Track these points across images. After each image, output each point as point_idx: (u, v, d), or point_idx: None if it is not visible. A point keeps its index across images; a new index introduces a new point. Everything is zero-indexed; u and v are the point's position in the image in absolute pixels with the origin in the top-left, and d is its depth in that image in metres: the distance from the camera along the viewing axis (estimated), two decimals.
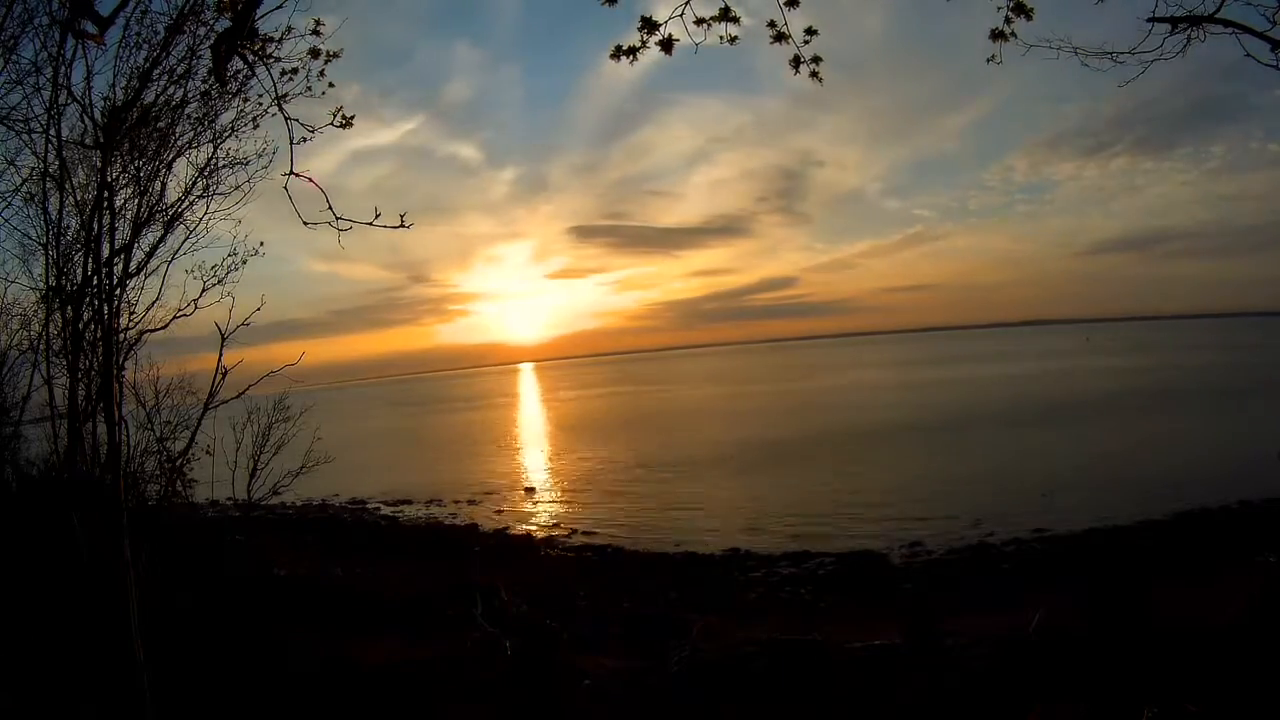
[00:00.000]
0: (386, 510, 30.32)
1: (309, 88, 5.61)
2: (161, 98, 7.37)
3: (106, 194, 7.04)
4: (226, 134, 7.87)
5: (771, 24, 4.24)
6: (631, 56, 4.17)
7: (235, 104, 7.65)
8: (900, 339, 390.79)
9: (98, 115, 7.11)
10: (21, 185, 7.65)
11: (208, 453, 10.29)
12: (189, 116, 7.71)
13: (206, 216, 8.23)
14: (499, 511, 29.28)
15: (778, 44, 4.26)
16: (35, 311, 9.00)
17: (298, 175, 4.53)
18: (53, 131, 7.10)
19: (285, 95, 5.02)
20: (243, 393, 9.46)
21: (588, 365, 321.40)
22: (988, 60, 4.59)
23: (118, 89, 7.21)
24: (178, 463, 9.75)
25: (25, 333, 9.40)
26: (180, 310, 8.34)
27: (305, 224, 4.58)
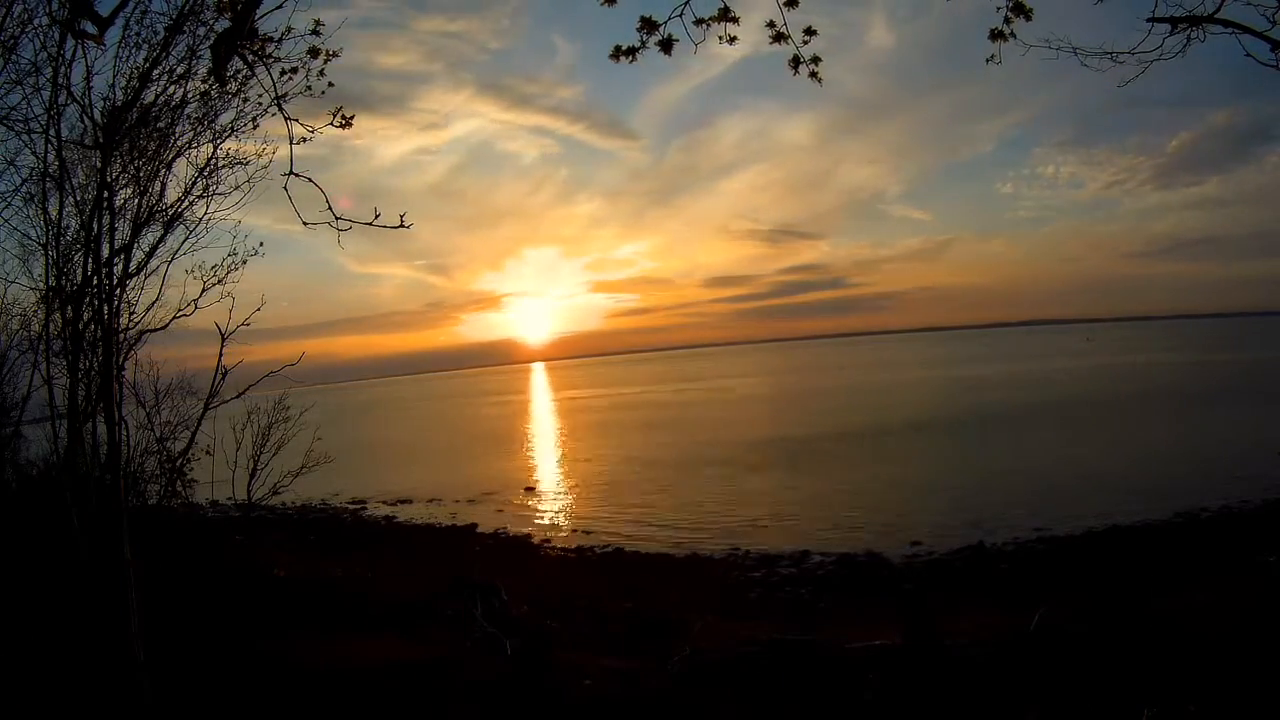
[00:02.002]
0: (386, 510, 30.31)
1: (309, 87, 5.61)
2: (161, 98, 7.37)
3: (106, 194, 7.05)
4: (226, 134, 7.87)
5: (771, 24, 4.24)
6: (631, 57, 4.17)
7: (235, 104, 7.65)
8: (912, 338, 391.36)
9: (98, 115, 7.12)
10: (21, 185, 7.66)
11: (208, 453, 10.31)
12: (189, 116, 7.72)
13: (206, 216, 8.24)
14: (499, 511, 29.27)
15: (777, 44, 4.26)
16: (35, 311, 9.02)
17: (298, 175, 4.53)
18: (53, 131, 7.11)
19: (285, 95, 5.02)
20: (243, 393, 9.48)
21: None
22: (987, 60, 4.60)
23: (117, 89, 7.22)
24: (178, 463, 9.76)
25: (25, 333, 9.41)
26: (180, 310, 8.36)
27: (305, 224, 4.59)
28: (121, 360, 7.83)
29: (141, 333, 8.13)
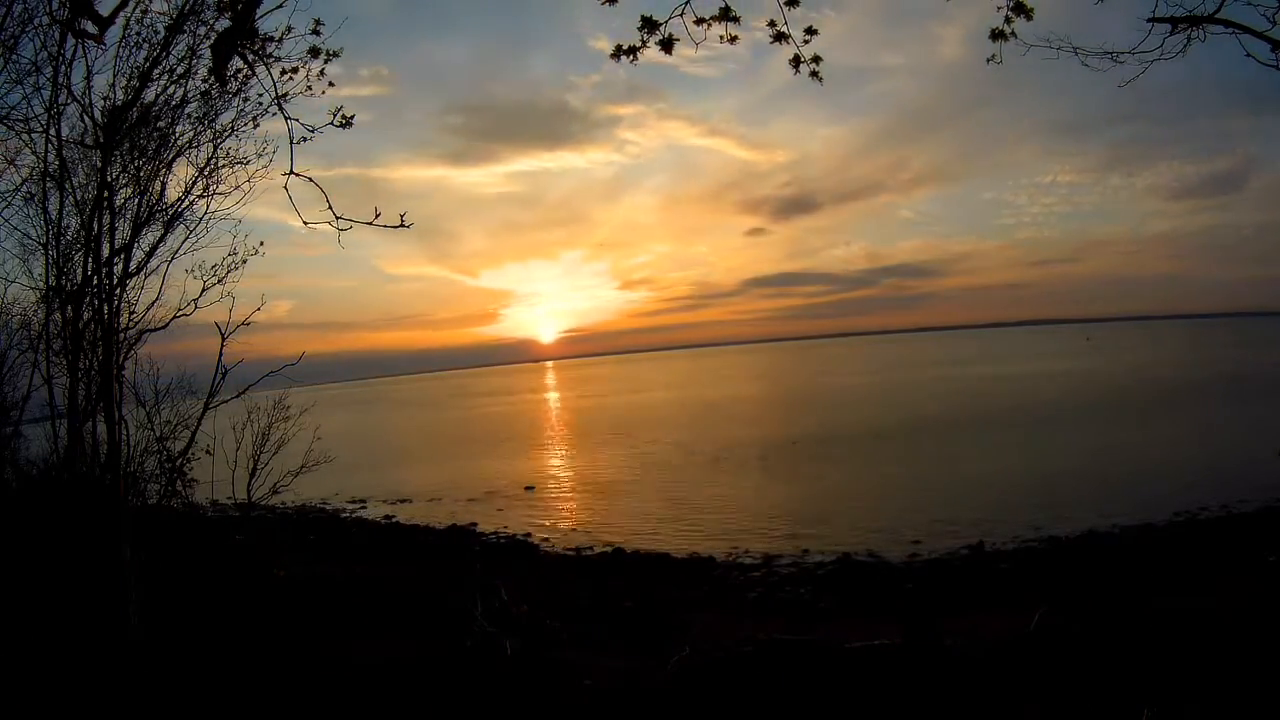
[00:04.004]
0: (386, 510, 30.31)
1: (309, 87, 5.62)
2: (161, 97, 7.39)
3: (106, 194, 7.05)
4: (226, 134, 7.89)
5: (771, 23, 4.24)
6: (632, 56, 4.17)
7: (235, 104, 7.66)
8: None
9: (98, 115, 7.13)
10: (21, 185, 7.67)
11: (208, 452, 10.30)
12: (189, 116, 7.73)
13: (207, 216, 8.25)
14: (499, 511, 29.26)
15: (778, 44, 4.26)
16: (35, 311, 9.02)
17: (298, 175, 4.53)
18: (53, 131, 7.13)
19: (285, 95, 5.02)
20: (242, 392, 9.48)
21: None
22: (988, 60, 4.60)
23: (118, 89, 7.23)
24: (178, 463, 9.75)
25: (25, 333, 9.41)
26: (180, 310, 8.37)
27: (305, 223, 4.59)
28: (121, 360, 7.83)
29: (141, 332, 8.14)
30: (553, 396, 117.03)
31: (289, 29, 5.45)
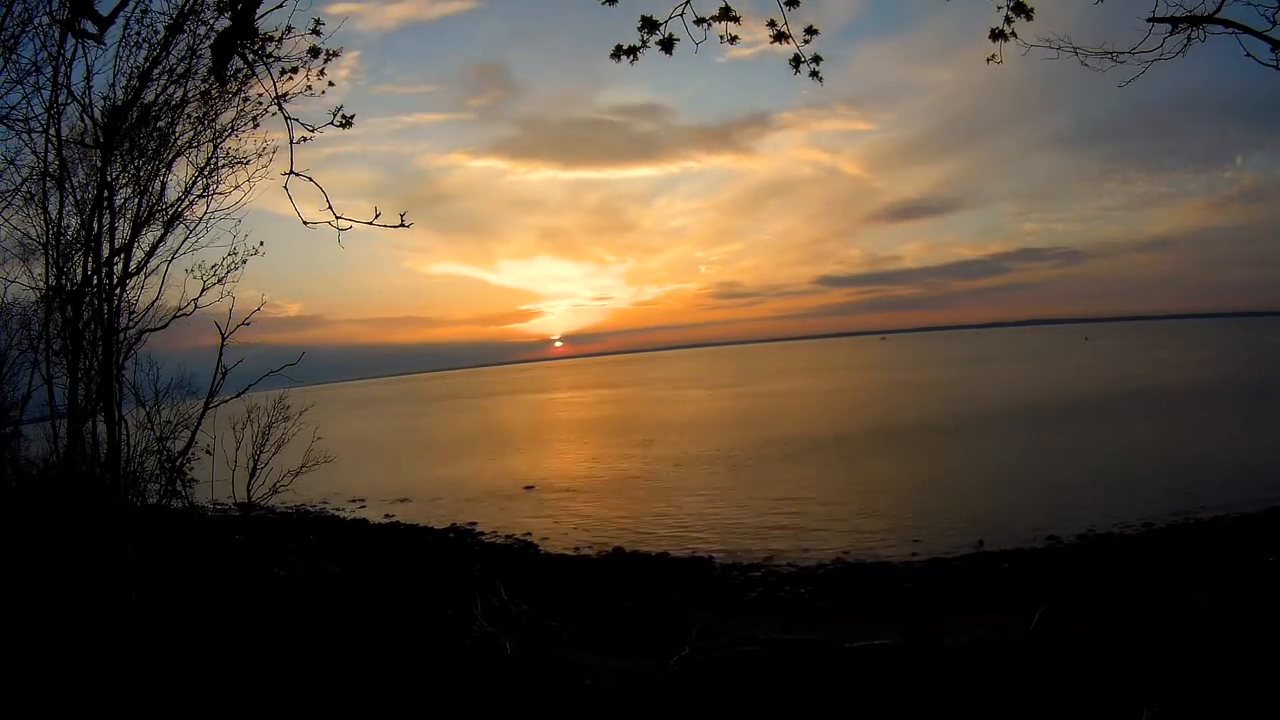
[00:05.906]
0: (386, 509, 30.32)
1: (309, 87, 5.62)
2: (161, 97, 7.39)
3: (106, 194, 7.06)
4: (226, 133, 7.89)
5: (772, 23, 4.24)
6: (632, 56, 4.17)
7: (235, 103, 7.67)
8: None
9: (98, 115, 7.13)
10: (21, 185, 7.67)
11: (208, 452, 10.31)
12: (189, 116, 7.73)
13: (207, 216, 8.26)
14: (499, 510, 29.26)
15: (778, 44, 4.26)
16: (35, 311, 9.03)
17: (298, 175, 4.53)
18: (53, 131, 7.13)
19: (285, 94, 5.02)
20: (243, 391, 9.48)
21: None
22: (988, 60, 4.60)
23: (118, 88, 7.23)
24: (178, 463, 9.76)
25: (25, 333, 9.43)
26: (180, 310, 8.37)
27: (305, 223, 4.58)
28: (121, 360, 7.84)
29: (141, 332, 8.15)
30: (563, 395, 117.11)
31: (289, 29, 5.45)
